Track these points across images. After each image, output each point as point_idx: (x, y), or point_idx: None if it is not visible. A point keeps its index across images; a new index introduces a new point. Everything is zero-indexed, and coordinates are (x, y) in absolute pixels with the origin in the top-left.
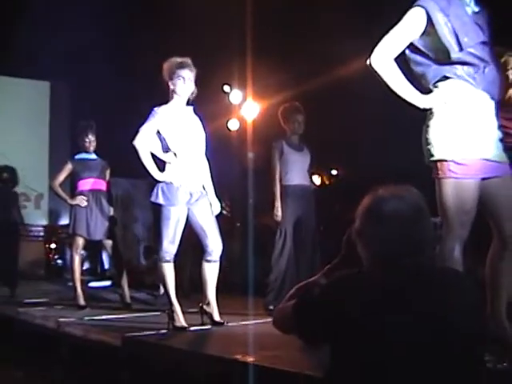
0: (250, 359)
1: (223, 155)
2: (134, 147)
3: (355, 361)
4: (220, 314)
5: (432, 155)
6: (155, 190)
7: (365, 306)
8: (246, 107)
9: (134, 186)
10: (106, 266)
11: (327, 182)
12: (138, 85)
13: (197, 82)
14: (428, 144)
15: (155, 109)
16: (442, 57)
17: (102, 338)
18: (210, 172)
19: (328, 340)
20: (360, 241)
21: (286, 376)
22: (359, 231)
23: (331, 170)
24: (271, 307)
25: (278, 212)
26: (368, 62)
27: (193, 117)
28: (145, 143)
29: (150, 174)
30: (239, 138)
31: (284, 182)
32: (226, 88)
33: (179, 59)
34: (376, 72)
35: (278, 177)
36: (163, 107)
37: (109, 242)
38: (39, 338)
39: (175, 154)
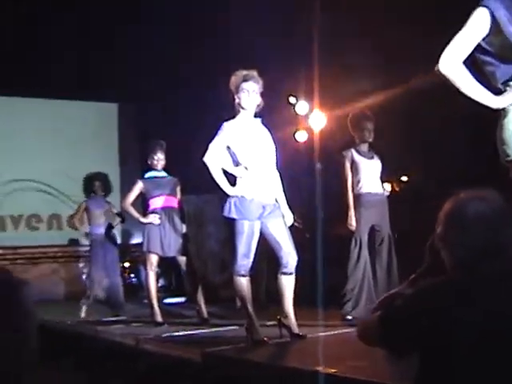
0: (332, 370)
1: (292, 167)
2: (204, 164)
3: (446, 369)
4: (298, 326)
5: (508, 155)
6: (228, 204)
7: (453, 313)
8: (314, 118)
9: (205, 202)
10: (179, 282)
11: (397, 189)
12: (205, 99)
13: (263, 94)
14: (503, 144)
15: (224, 124)
16: (510, 55)
17: (181, 354)
18: (282, 184)
19: (417, 350)
20: (444, 247)
21: None
22: (442, 237)
23: (401, 176)
24: (349, 317)
25: (352, 221)
26: (436, 68)
27: (261, 129)
28: (215, 159)
29: (222, 189)
30: (308, 148)
31: (356, 191)
32: (292, 99)
33: (245, 72)
34: (445, 77)
35: (350, 186)
36: (231, 122)
37: (183, 259)
38: (119, 355)
39: (246, 168)
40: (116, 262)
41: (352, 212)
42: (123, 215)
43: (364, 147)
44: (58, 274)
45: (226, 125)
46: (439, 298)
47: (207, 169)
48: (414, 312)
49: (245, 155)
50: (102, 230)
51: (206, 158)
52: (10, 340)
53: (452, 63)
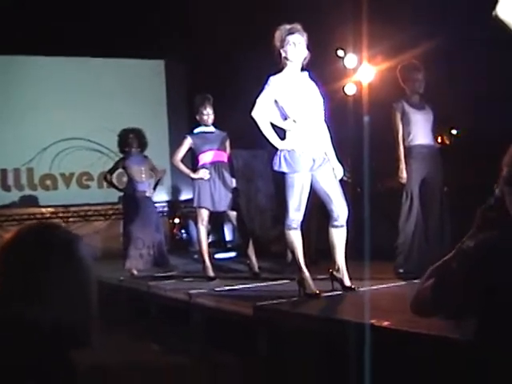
0: (386, 323)
1: (342, 120)
2: (252, 119)
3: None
4: (350, 279)
5: None
6: (277, 158)
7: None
8: (362, 71)
9: (254, 156)
10: (229, 237)
11: (447, 142)
12: (252, 54)
13: (309, 47)
14: None
15: (270, 78)
16: None
17: (233, 308)
18: (330, 137)
19: (475, 313)
20: (510, 192)
21: (424, 339)
22: (509, 177)
23: (451, 129)
24: (401, 270)
25: (403, 174)
26: (494, 14)
27: (309, 82)
28: (263, 113)
29: (271, 143)
30: (357, 102)
31: (407, 143)
32: (340, 52)
33: (288, 26)
34: (503, 22)
35: (401, 138)
36: (278, 76)
37: (233, 213)
38: (172, 310)
39: (294, 121)
40: (158, 218)
41: (403, 165)
42: (159, 173)
43: (415, 98)
44: (110, 231)
45: (272, 79)
46: (496, 254)
47: (256, 124)
48: (470, 273)
49: (293, 108)
50: (142, 187)
51: (254, 113)
52: (73, 295)
53: (510, 7)
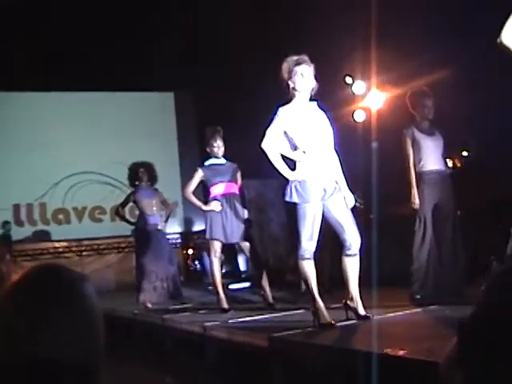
0: (401, 353)
1: (352, 147)
2: (262, 150)
3: None
4: (364, 307)
5: None
6: (289, 189)
7: None
8: (371, 97)
9: (265, 186)
10: (243, 268)
11: (459, 165)
12: (261, 85)
13: (317, 77)
14: None
15: (279, 109)
16: None
17: (248, 340)
18: (341, 165)
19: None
20: None
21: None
22: None
23: (462, 151)
24: (418, 296)
25: (416, 200)
26: (499, 41)
27: (317, 112)
28: (273, 145)
29: (281, 174)
30: (366, 128)
31: (419, 169)
32: (348, 79)
33: (295, 57)
34: (508, 49)
35: (412, 164)
36: (287, 107)
37: (246, 244)
38: (186, 343)
39: (304, 152)
40: (171, 250)
41: (415, 190)
42: (169, 206)
43: (425, 124)
44: (123, 264)
45: (281, 110)
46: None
47: (265, 155)
48: (495, 313)
49: (302, 139)
50: (153, 220)
51: (264, 145)
52: (81, 333)
53: None
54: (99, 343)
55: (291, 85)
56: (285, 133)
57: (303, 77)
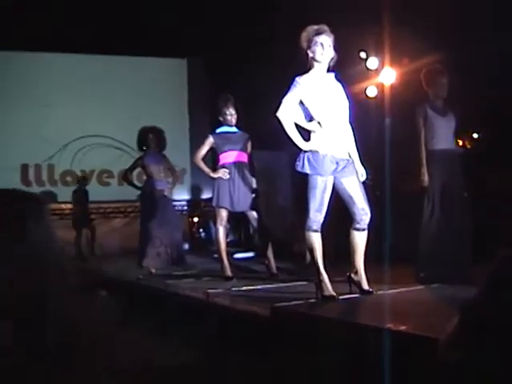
0: (402, 328)
1: (363, 122)
2: (277, 119)
3: None
4: (368, 282)
5: None
6: (301, 159)
7: None
8: (384, 73)
9: (274, 158)
10: (248, 237)
11: (469, 146)
12: (276, 55)
13: (336, 48)
14: None
15: (296, 78)
16: None
17: (250, 309)
18: (354, 139)
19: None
20: None
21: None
22: None
23: (472, 133)
24: (422, 274)
25: (425, 177)
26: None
27: (335, 84)
28: (288, 114)
29: (295, 144)
30: (378, 104)
31: (430, 147)
32: (363, 54)
33: (316, 26)
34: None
35: (423, 142)
36: (304, 76)
37: (253, 214)
38: (189, 309)
39: (319, 123)
40: (177, 217)
41: (425, 168)
42: (176, 173)
43: (438, 103)
44: (129, 229)
45: (299, 79)
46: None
47: (280, 124)
48: (498, 299)
49: (318, 110)
50: (160, 185)
51: (280, 113)
52: (33, 254)
53: None
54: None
55: (310, 54)
56: (301, 103)
57: (323, 47)
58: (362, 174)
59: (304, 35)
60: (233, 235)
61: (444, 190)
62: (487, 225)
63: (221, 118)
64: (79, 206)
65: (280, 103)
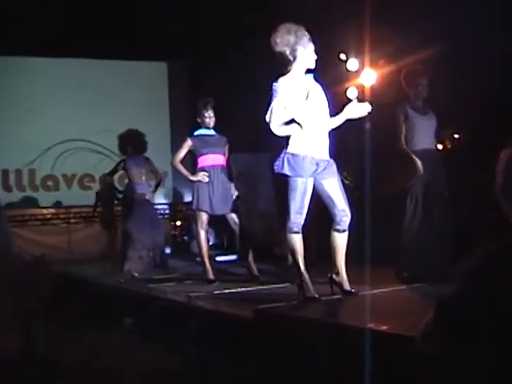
0: (384, 327)
1: (344, 124)
2: (267, 124)
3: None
4: (350, 283)
5: None
6: (281, 160)
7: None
8: (364, 74)
9: (254, 160)
10: (230, 240)
11: (449, 146)
12: (258, 56)
13: (316, 51)
14: None
15: (275, 84)
16: None
17: (233, 311)
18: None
19: (480, 339)
20: (507, 196)
21: None
22: (504, 186)
23: (453, 133)
24: (405, 274)
25: (418, 164)
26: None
27: (314, 85)
28: (281, 124)
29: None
30: None
31: (410, 147)
32: (343, 56)
33: (305, 31)
34: None
35: (403, 142)
36: (283, 79)
37: (232, 216)
38: (171, 313)
39: (300, 125)
40: (158, 220)
41: (417, 161)
42: (159, 176)
43: (418, 103)
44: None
45: (278, 83)
46: (502, 269)
47: (270, 128)
48: (474, 292)
49: (298, 111)
50: (141, 189)
51: (274, 129)
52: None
53: None
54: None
55: (290, 57)
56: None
57: (305, 49)
58: None
59: (291, 39)
60: (215, 238)
61: (426, 190)
62: (470, 224)
63: (199, 120)
64: (106, 206)
65: (267, 108)
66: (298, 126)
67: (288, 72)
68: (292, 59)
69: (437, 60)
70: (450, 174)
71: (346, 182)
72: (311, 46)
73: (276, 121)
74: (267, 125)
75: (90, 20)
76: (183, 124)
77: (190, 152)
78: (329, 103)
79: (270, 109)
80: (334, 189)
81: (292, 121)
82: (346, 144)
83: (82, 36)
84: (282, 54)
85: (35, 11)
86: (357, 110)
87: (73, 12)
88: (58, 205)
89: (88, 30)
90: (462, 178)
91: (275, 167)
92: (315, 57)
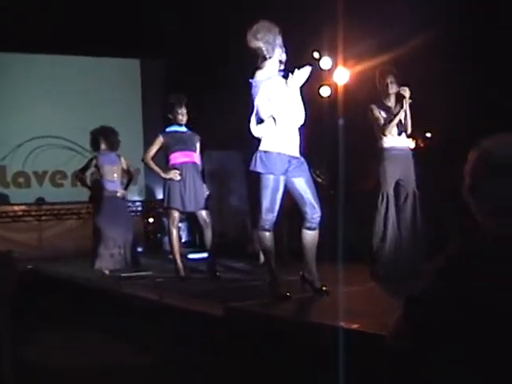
0: (355, 326)
1: (316, 122)
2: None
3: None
4: (321, 281)
5: None
6: (254, 158)
7: (495, 284)
8: (337, 73)
9: (227, 157)
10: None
11: (422, 145)
12: (232, 54)
13: (286, 49)
14: None
15: (253, 80)
16: None
17: (204, 309)
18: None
19: (450, 337)
20: (475, 198)
21: None
22: (472, 187)
23: (425, 132)
24: (377, 272)
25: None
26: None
27: (286, 82)
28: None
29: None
30: (332, 104)
31: (381, 145)
32: (316, 54)
33: (276, 28)
34: None
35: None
36: (260, 74)
37: (202, 214)
38: (142, 310)
39: (275, 121)
40: (129, 217)
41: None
42: (131, 173)
43: (389, 102)
44: (83, 230)
45: (256, 79)
46: (473, 265)
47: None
48: (444, 289)
49: (273, 108)
50: (113, 186)
51: (255, 132)
52: None
53: None
54: None
55: (267, 54)
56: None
57: (280, 49)
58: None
59: (271, 37)
60: (188, 236)
61: (396, 188)
62: (444, 222)
63: (171, 116)
64: None
65: (251, 111)
66: (273, 122)
67: (262, 68)
68: (268, 57)
69: (409, 59)
70: (427, 172)
71: (319, 180)
72: (283, 48)
73: (263, 114)
74: (240, 123)
75: (62, 16)
76: (156, 121)
77: (161, 148)
78: (303, 102)
79: (255, 106)
80: (305, 187)
81: (263, 120)
82: (319, 142)
83: (53, 32)
84: (260, 50)
85: (7, 6)
86: (299, 76)
87: (43, 8)
88: (29, 202)
89: (60, 26)
90: (439, 176)
91: (249, 165)
92: (285, 58)
